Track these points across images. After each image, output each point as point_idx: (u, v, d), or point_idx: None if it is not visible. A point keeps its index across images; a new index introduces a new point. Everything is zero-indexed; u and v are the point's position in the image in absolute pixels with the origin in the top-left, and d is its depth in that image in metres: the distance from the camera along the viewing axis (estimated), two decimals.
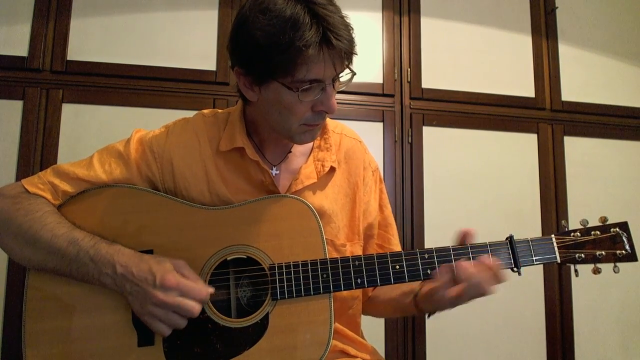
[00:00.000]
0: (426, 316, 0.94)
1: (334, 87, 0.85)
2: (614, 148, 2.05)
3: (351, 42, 0.82)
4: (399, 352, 1.75)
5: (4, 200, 0.87)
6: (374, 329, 1.73)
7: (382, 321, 1.75)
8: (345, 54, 0.81)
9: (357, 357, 0.97)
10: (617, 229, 0.88)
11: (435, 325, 1.79)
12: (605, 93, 2.08)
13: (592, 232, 0.89)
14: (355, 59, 0.87)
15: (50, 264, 0.83)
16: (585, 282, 1.92)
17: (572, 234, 0.89)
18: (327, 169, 0.97)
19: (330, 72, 0.82)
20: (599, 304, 1.93)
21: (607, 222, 0.90)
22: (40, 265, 0.85)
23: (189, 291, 0.78)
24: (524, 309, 1.87)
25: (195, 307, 0.78)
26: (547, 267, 1.90)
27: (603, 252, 0.87)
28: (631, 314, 1.96)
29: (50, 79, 1.66)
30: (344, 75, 0.87)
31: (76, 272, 0.82)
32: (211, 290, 0.82)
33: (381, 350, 1.73)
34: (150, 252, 0.86)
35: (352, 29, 0.83)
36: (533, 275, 1.89)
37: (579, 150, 2.01)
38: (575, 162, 2.00)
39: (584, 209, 1.94)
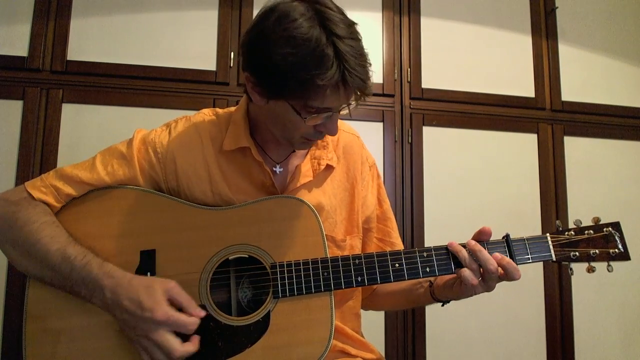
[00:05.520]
0: (440, 305, 0.96)
1: (339, 112, 0.86)
2: (614, 148, 2.05)
3: (366, 80, 0.81)
4: (399, 352, 1.75)
5: (6, 206, 0.88)
6: (374, 329, 1.73)
7: (382, 321, 1.76)
8: (359, 91, 0.81)
9: (357, 356, 0.97)
10: (610, 229, 0.90)
11: (436, 325, 1.79)
12: (605, 93, 2.08)
13: (586, 232, 0.91)
14: None
15: (47, 278, 0.84)
16: (585, 282, 1.92)
17: (566, 233, 0.91)
18: (322, 167, 0.98)
19: (341, 103, 0.83)
20: (599, 303, 1.93)
21: (600, 222, 0.92)
22: (37, 276, 0.85)
23: (178, 327, 0.79)
24: (524, 309, 1.87)
25: (176, 350, 0.79)
26: (547, 267, 1.90)
27: (597, 251, 0.89)
28: (631, 314, 1.96)
29: (50, 79, 1.66)
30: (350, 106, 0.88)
31: (70, 290, 0.83)
32: (202, 314, 0.82)
33: (381, 350, 1.73)
34: (153, 251, 0.87)
35: (370, 64, 0.82)
36: (533, 275, 1.89)
37: (579, 150, 2.01)
38: (575, 162, 2.00)
39: (584, 209, 1.94)
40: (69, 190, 0.89)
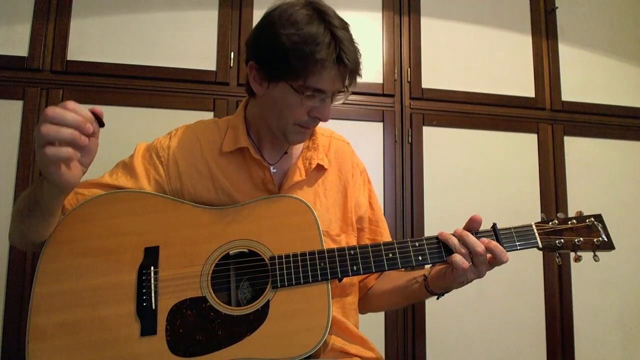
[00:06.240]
0: (436, 298, 0.99)
1: (332, 99, 0.96)
2: (614, 148, 2.05)
3: (358, 64, 0.93)
4: (399, 352, 1.75)
5: None
6: (374, 329, 1.73)
7: (382, 321, 1.75)
8: (351, 73, 0.92)
9: (356, 355, 0.98)
10: (593, 219, 0.94)
11: (436, 325, 1.79)
12: (605, 93, 2.08)
13: (569, 222, 0.94)
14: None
15: (22, 210, 0.87)
16: (586, 282, 1.92)
17: (550, 222, 0.95)
18: (313, 166, 1.05)
19: (335, 86, 0.93)
20: (599, 304, 1.93)
21: (583, 215, 0.96)
22: (20, 228, 0.89)
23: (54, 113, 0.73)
24: (524, 309, 1.87)
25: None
26: (547, 267, 1.90)
27: (581, 239, 0.92)
28: (631, 314, 1.96)
29: (50, 79, 1.66)
30: (341, 95, 0.98)
31: (34, 205, 0.84)
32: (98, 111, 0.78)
33: (381, 350, 1.73)
34: (156, 248, 0.91)
35: (360, 54, 0.94)
36: (533, 276, 1.89)
37: (579, 150, 2.01)
38: (575, 162, 2.00)
39: (584, 208, 1.92)
40: (74, 189, 0.94)
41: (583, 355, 1.88)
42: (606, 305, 1.94)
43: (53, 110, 0.73)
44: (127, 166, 1.02)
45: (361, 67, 0.94)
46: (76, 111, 0.75)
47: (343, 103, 1.81)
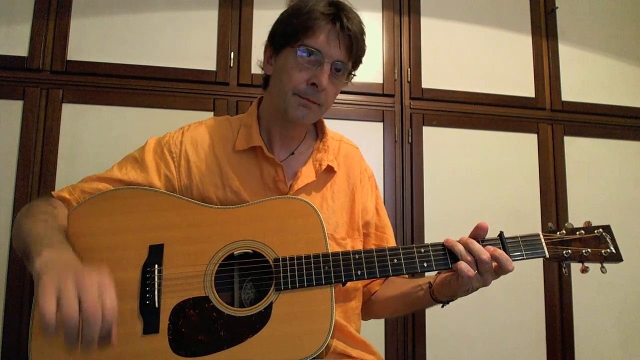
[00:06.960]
0: (441, 306, 0.98)
1: (331, 72, 0.96)
2: (614, 148, 2.05)
3: (359, 32, 0.96)
4: (399, 353, 1.75)
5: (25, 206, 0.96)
6: (374, 330, 1.73)
7: (382, 321, 1.75)
8: (350, 37, 0.94)
9: (358, 358, 0.98)
10: (601, 230, 0.92)
11: (436, 326, 1.79)
12: (605, 93, 2.08)
13: (577, 232, 0.93)
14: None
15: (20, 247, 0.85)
16: (585, 283, 1.92)
17: (558, 232, 0.93)
18: (324, 167, 1.04)
19: (332, 48, 0.94)
20: (599, 304, 1.93)
21: (592, 225, 0.94)
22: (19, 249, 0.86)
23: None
24: (524, 309, 1.87)
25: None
26: (547, 268, 1.90)
27: (589, 250, 0.91)
28: (631, 314, 1.96)
29: (50, 79, 1.65)
30: (345, 73, 0.99)
31: (29, 252, 0.79)
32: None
33: (381, 351, 1.73)
34: (161, 246, 0.91)
35: (365, 33, 0.98)
36: (533, 276, 1.89)
37: (579, 150, 2.01)
38: (575, 162, 2.00)
39: (584, 209, 1.93)
40: (82, 185, 0.97)
41: (583, 355, 1.88)
42: (606, 305, 1.94)
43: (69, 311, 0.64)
44: (137, 160, 1.02)
45: (363, 40, 0.98)
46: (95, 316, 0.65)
47: (343, 102, 1.82)
